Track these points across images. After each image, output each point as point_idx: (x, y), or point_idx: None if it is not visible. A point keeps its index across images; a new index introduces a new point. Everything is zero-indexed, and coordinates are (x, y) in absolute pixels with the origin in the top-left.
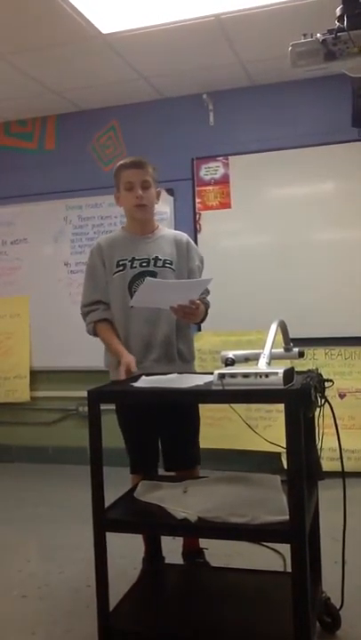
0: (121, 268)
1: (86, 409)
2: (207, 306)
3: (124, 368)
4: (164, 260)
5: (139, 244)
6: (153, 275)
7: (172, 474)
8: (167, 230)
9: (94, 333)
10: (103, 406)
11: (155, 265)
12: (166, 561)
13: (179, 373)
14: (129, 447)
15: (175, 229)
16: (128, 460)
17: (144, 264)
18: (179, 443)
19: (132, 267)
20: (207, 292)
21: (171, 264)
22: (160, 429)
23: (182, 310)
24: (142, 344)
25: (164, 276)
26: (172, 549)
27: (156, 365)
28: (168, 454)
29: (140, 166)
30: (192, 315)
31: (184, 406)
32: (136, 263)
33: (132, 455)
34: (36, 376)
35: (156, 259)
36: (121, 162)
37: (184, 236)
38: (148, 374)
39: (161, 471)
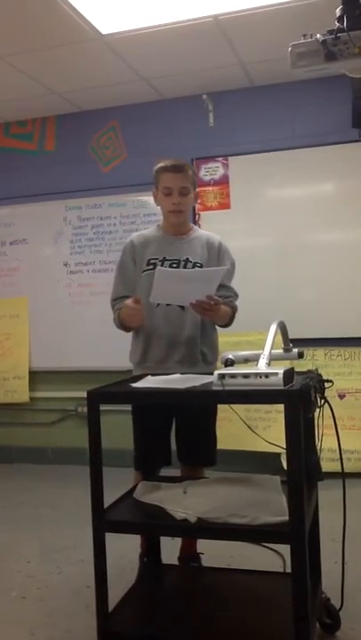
0: (151, 266)
1: (85, 409)
2: (234, 309)
3: (130, 302)
4: (195, 262)
5: (171, 245)
6: None
7: (172, 473)
8: (201, 232)
9: (119, 324)
10: (102, 407)
11: (184, 266)
12: (166, 562)
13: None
14: (138, 444)
15: None
16: (126, 461)
17: (174, 264)
18: (194, 440)
19: (161, 266)
20: (235, 295)
21: (201, 267)
22: (176, 427)
23: (201, 306)
24: (166, 344)
25: None
26: (171, 550)
27: (178, 366)
28: (185, 450)
29: (180, 171)
30: (211, 312)
31: (192, 406)
32: (166, 264)
33: (139, 452)
34: (35, 377)
35: (187, 260)
36: (161, 164)
37: (217, 239)
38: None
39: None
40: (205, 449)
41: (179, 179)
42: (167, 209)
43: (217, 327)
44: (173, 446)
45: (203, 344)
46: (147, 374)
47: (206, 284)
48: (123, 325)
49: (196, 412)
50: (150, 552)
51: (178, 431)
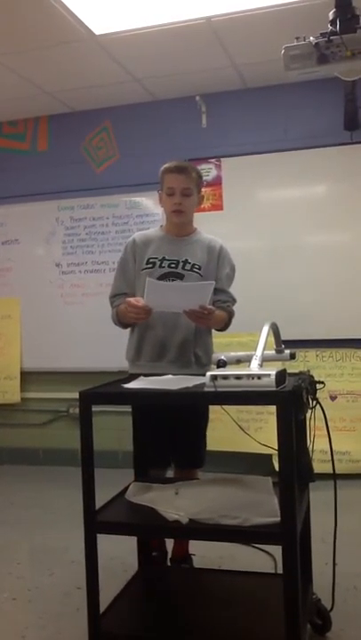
0: (150, 265)
1: (77, 410)
2: (231, 314)
3: (132, 298)
4: (193, 264)
5: (172, 245)
6: (179, 277)
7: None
8: (204, 235)
9: (117, 320)
10: (94, 408)
11: (183, 267)
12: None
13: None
14: (137, 445)
15: None
16: (118, 462)
17: (172, 265)
18: (187, 441)
19: (160, 266)
20: (233, 300)
21: (199, 269)
22: (169, 427)
23: (194, 314)
24: (159, 345)
25: (189, 280)
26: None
27: (171, 366)
28: (176, 452)
29: (184, 172)
30: (205, 319)
31: (190, 407)
32: (165, 263)
33: (137, 453)
34: (27, 377)
35: (186, 261)
36: (166, 165)
37: (218, 243)
38: (160, 374)
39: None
40: (196, 451)
41: (181, 179)
42: (169, 209)
43: (212, 330)
44: None
45: (196, 346)
46: (140, 374)
47: (197, 296)
48: (121, 322)
49: (189, 414)
50: (144, 552)
51: (173, 437)
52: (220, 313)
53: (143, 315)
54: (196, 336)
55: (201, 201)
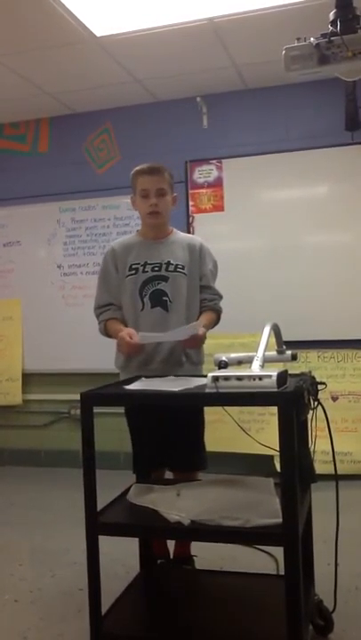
0: (133, 271)
1: (79, 412)
2: (218, 312)
3: (125, 334)
4: (176, 264)
5: (152, 249)
6: (164, 279)
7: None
8: (181, 234)
9: (105, 332)
10: (96, 409)
11: (166, 269)
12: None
13: (176, 375)
14: (134, 446)
15: None
16: (119, 464)
17: (156, 268)
18: (181, 444)
19: (144, 271)
20: (219, 297)
21: (183, 269)
22: (165, 429)
23: (188, 343)
24: (150, 346)
25: (175, 281)
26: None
27: (163, 367)
28: (172, 455)
29: (156, 173)
30: (199, 340)
31: (186, 408)
32: (148, 267)
33: (135, 454)
34: (29, 379)
35: (168, 263)
36: (138, 167)
37: (198, 241)
38: (152, 376)
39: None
40: (195, 452)
41: (155, 181)
42: (145, 211)
43: None
44: None
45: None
46: (141, 376)
47: (187, 332)
48: (108, 336)
49: (182, 415)
50: (146, 554)
51: (169, 439)
52: (209, 316)
53: (135, 350)
54: None
55: (175, 201)
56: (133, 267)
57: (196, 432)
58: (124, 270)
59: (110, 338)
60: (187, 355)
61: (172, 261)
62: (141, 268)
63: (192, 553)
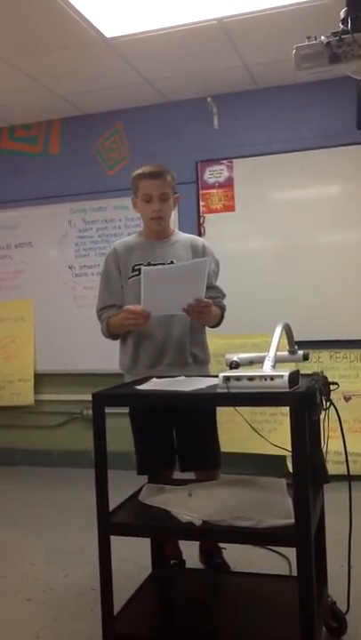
0: (136, 272)
1: (91, 412)
2: (223, 309)
3: (129, 307)
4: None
5: (155, 249)
6: None
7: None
8: (183, 235)
9: (108, 332)
10: (108, 409)
11: None
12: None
13: (186, 376)
14: (140, 448)
15: None
16: (132, 464)
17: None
18: (194, 443)
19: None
20: (223, 295)
21: None
22: (176, 429)
23: (194, 311)
24: (156, 348)
25: None
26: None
27: (169, 369)
28: (183, 454)
29: (159, 177)
30: (203, 314)
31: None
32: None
33: (140, 456)
34: (41, 379)
35: (172, 264)
36: (139, 171)
37: (200, 241)
38: (160, 377)
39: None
40: (208, 451)
41: (158, 185)
42: (148, 216)
43: (207, 328)
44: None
45: (193, 345)
46: (152, 377)
47: (194, 280)
48: (111, 334)
49: (193, 414)
50: (158, 554)
51: (179, 439)
52: (215, 309)
53: (142, 320)
54: (191, 336)
55: (176, 202)
56: (136, 267)
57: (211, 430)
58: (126, 271)
59: (113, 336)
60: (193, 355)
61: (175, 261)
62: None
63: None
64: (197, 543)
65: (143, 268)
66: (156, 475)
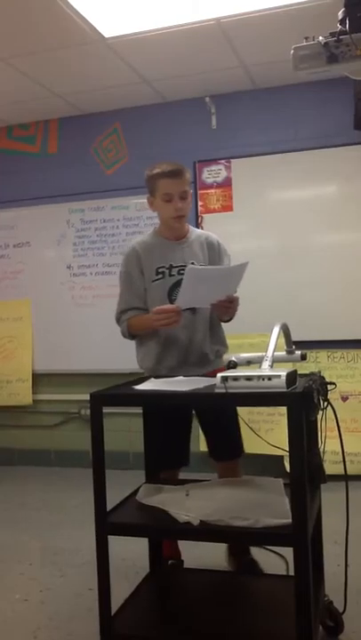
0: (160, 275)
1: (88, 412)
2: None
3: (163, 308)
4: (200, 265)
5: (175, 251)
6: None
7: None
8: (197, 232)
9: (128, 331)
10: (105, 409)
11: None
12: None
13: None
14: (159, 444)
15: None
16: (129, 464)
17: (182, 272)
18: (222, 431)
19: (170, 274)
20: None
21: None
22: (202, 425)
23: (222, 306)
24: (181, 350)
25: None
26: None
27: (193, 369)
28: (213, 443)
29: (179, 176)
30: (231, 309)
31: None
32: (174, 271)
33: (160, 452)
34: (38, 379)
35: (192, 264)
36: (159, 169)
37: (214, 238)
38: (157, 377)
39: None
40: (233, 439)
41: (178, 184)
42: (169, 215)
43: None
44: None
45: (214, 342)
46: (150, 376)
47: (232, 280)
48: (133, 334)
49: (217, 408)
50: (156, 554)
51: (204, 430)
52: None
53: (176, 317)
54: (211, 332)
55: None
56: (160, 270)
57: (232, 417)
58: (150, 274)
59: (136, 335)
60: (215, 351)
61: (195, 263)
62: (167, 272)
63: (201, 553)
64: (198, 543)
65: (189, 266)
66: (166, 472)
